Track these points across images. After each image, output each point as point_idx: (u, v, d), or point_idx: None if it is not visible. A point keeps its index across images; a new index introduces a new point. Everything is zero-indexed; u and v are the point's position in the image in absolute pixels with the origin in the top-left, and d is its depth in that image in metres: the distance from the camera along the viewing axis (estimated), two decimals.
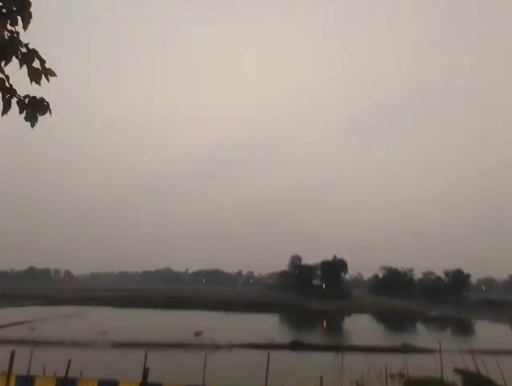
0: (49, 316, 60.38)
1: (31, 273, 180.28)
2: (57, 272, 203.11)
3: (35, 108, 3.33)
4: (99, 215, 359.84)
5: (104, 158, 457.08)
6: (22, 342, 24.81)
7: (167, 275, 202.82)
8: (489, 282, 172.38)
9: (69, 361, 10.59)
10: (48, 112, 3.39)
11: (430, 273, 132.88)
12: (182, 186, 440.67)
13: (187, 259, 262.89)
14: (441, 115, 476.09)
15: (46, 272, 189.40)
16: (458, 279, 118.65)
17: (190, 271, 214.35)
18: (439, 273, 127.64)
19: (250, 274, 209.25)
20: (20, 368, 11.79)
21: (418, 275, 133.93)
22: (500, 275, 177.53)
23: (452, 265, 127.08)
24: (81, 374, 12.07)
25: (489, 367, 25.82)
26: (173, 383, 11.06)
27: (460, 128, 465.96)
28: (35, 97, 3.34)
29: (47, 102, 3.37)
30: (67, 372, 10.49)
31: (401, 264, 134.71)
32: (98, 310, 74.39)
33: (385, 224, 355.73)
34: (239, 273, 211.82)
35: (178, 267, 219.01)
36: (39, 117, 3.38)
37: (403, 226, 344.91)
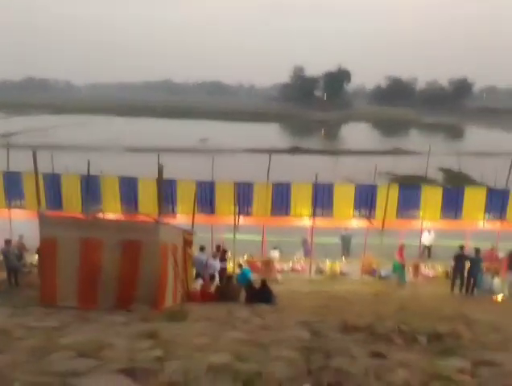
0: (60, 124, 62.66)
1: (30, 83, 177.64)
2: (56, 82, 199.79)
3: None
4: (96, 21, 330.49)
5: None
6: (41, 146, 26.54)
7: (167, 86, 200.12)
8: (491, 91, 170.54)
9: (88, 161, 11.59)
10: None
11: (434, 82, 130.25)
12: None
13: (188, 70, 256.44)
14: None
15: (45, 82, 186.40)
16: (461, 88, 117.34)
17: (191, 83, 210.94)
18: (444, 82, 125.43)
19: (252, 87, 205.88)
20: (44, 169, 12.81)
21: (422, 85, 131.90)
22: (503, 83, 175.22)
23: (457, 75, 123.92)
24: (101, 172, 13.23)
25: (472, 167, 28.44)
26: (186, 180, 12.37)
27: None
28: None
29: None
30: (88, 169, 11.67)
31: (406, 75, 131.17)
32: (106, 119, 76.42)
33: (394, 33, 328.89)
34: (240, 85, 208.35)
35: (178, 78, 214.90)
36: None
37: (412, 35, 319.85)
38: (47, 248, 7.91)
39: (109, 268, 7.52)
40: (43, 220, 8.00)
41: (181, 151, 39.10)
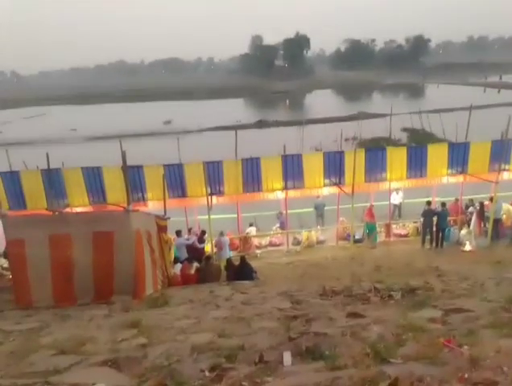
0: (12, 119, 59.37)
1: None
2: (2, 74, 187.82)
3: None
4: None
5: None
6: None
7: (122, 68, 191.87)
8: (447, 46, 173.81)
9: (47, 154, 11.04)
10: None
11: (392, 41, 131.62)
12: None
13: (142, 49, 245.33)
14: None
15: None
16: (417, 45, 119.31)
17: (146, 62, 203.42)
18: (401, 41, 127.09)
19: (211, 60, 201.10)
20: (0, 168, 12.18)
21: (380, 45, 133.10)
22: (458, 37, 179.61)
23: (414, 32, 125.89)
24: (63, 165, 12.72)
25: (434, 124, 29.27)
26: (152, 165, 12.07)
27: None
28: None
29: None
30: (48, 163, 11.15)
31: (364, 36, 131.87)
32: (60, 109, 73.07)
33: None
34: (199, 60, 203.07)
35: (133, 59, 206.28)
36: None
37: None
38: (15, 250, 7.61)
39: (83, 263, 7.35)
40: (7, 222, 7.66)
41: (144, 136, 38.07)
